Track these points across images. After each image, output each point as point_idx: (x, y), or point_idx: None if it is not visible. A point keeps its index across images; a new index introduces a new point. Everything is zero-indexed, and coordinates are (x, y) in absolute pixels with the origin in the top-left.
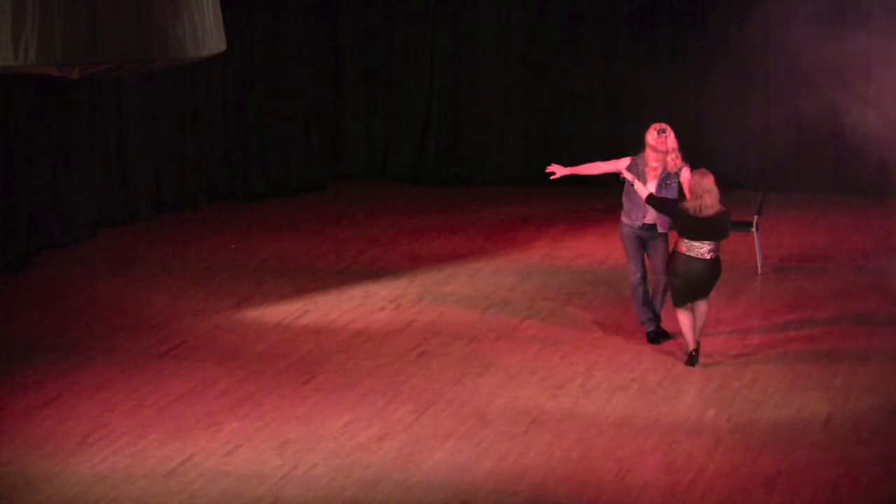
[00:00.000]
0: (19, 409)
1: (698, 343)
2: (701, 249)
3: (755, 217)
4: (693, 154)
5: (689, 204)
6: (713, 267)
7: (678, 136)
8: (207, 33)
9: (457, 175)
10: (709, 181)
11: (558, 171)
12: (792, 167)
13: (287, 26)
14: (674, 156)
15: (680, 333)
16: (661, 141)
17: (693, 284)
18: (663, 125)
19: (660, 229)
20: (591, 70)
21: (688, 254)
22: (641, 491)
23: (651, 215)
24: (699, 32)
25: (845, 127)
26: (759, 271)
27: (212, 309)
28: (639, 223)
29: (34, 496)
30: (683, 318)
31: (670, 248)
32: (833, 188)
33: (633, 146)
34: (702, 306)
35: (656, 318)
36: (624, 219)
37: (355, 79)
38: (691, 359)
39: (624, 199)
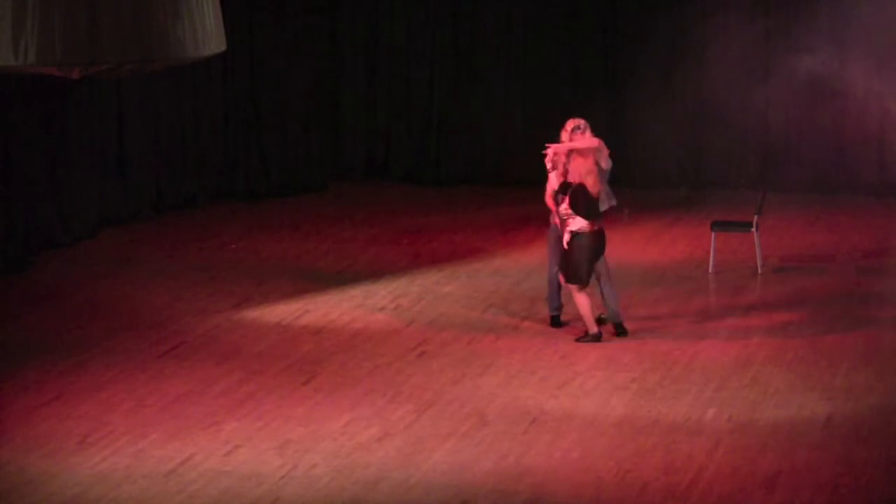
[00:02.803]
0: (19, 409)
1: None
2: (583, 225)
3: (755, 217)
4: (693, 153)
5: (586, 184)
6: (600, 236)
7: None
8: (207, 33)
9: (457, 175)
10: (591, 162)
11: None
12: (792, 167)
13: (287, 26)
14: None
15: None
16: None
17: (592, 256)
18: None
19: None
20: (591, 70)
21: (579, 232)
22: (641, 491)
23: (554, 217)
24: (699, 30)
25: (847, 126)
26: (759, 271)
27: (212, 309)
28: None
29: (34, 496)
30: (583, 300)
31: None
32: (833, 188)
33: (633, 146)
34: (604, 290)
35: (562, 307)
36: (554, 221)
37: (355, 78)
38: (595, 337)
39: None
